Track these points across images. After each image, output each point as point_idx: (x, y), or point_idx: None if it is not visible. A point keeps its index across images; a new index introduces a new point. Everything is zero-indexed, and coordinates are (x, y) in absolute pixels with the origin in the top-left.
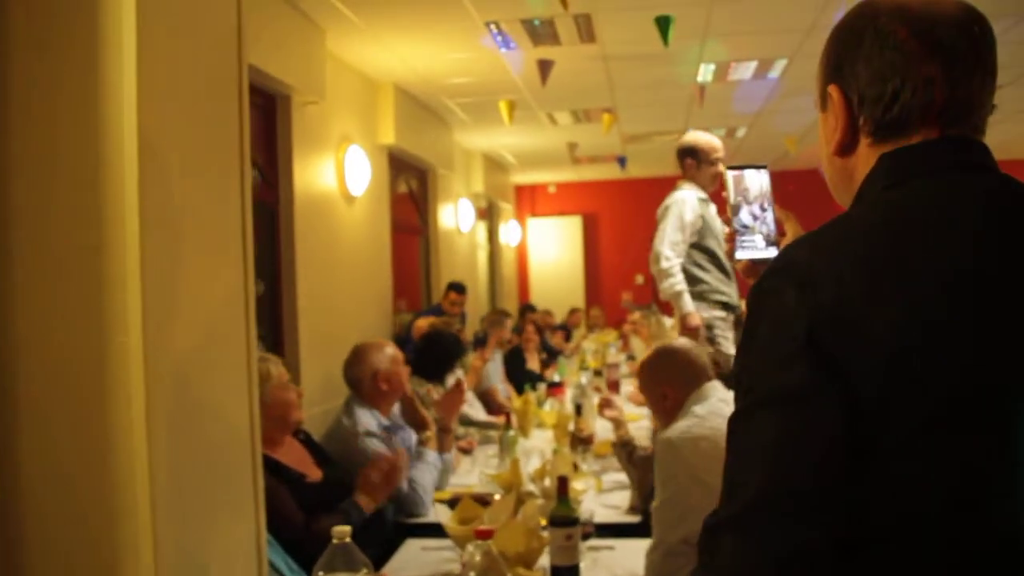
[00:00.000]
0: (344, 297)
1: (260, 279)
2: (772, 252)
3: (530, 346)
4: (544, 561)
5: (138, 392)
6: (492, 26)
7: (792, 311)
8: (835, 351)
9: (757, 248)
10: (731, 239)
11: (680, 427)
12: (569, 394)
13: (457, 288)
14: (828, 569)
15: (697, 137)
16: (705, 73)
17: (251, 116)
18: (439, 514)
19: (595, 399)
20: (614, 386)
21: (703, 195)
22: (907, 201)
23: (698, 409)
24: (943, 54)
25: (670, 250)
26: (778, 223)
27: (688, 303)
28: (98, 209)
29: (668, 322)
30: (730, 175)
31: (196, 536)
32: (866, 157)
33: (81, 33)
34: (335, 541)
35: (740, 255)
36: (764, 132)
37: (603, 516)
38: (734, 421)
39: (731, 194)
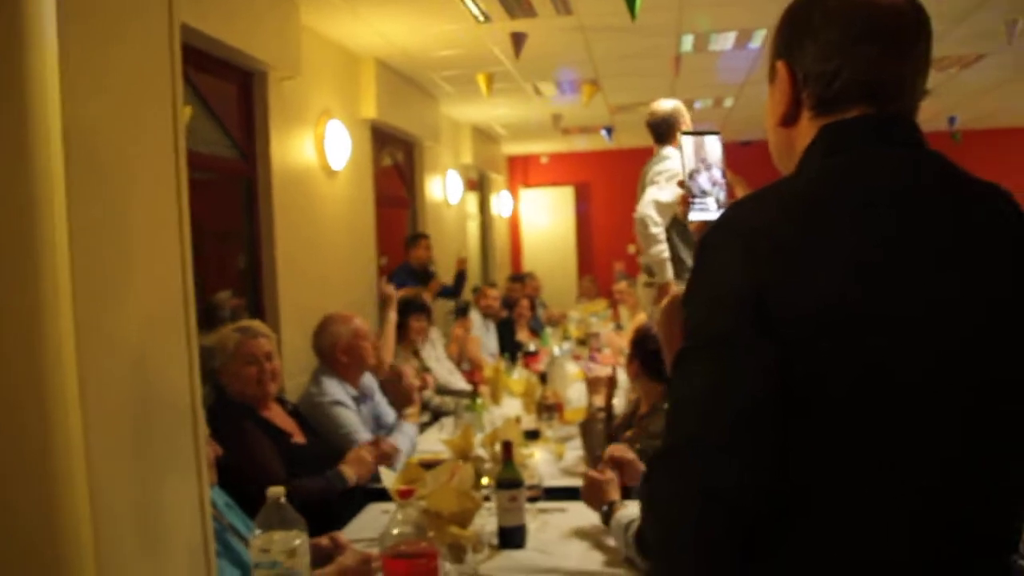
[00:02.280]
0: (327, 269)
1: (241, 253)
2: None
3: (522, 320)
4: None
5: (71, 375)
6: None
7: (733, 264)
8: (771, 306)
9: (710, 211)
10: (685, 202)
11: None
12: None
13: (422, 235)
14: (747, 512)
15: (676, 104)
16: (685, 43)
17: (228, 93)
18: (385, 477)
19: (572, 367)
20: (597, 355)
21: None
22: (841, 169)
23: None
24: (882, 37)
25: (658, 215)
26: (729, 187)
27: (670, 272)
28: (26, 197)
29: None
30: (690, 140)
31: (136, 497)
32: (807, 129)
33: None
34: (270, 500)
35: (694, 217)
36: (751, 102)
37: (559, 481)
38: (674, 364)
39: (689, 159)
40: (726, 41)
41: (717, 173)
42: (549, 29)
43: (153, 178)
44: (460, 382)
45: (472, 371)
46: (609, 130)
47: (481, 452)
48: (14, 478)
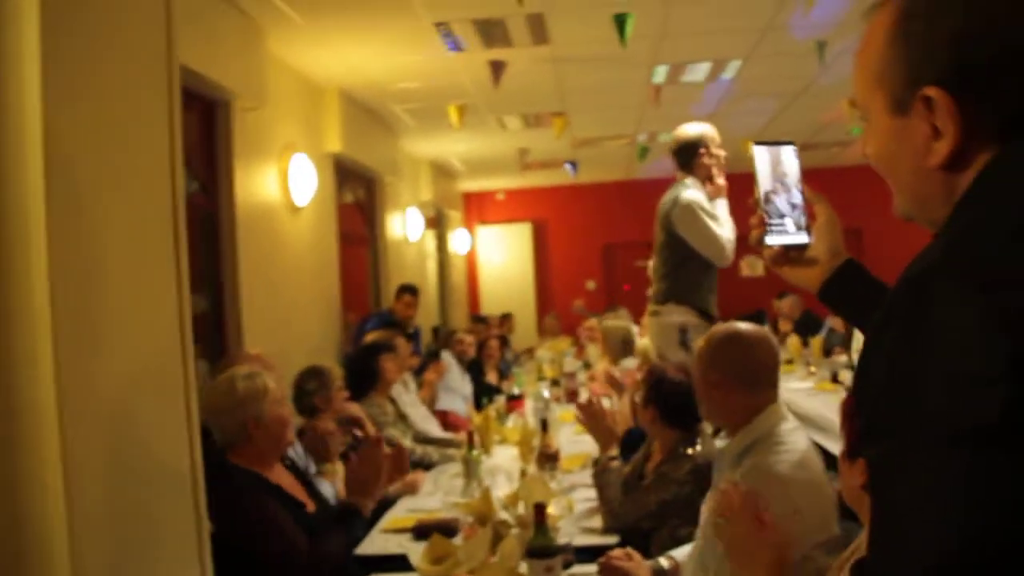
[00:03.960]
0: (291, 310)
1: (201, 294)
2: (803, 238)
3: (491, 362)
4: None
5: (52, 436)
6: (441, 27)
7: (982, 324)
8: None
9: (788, 233)
10: (760, 225)
11: (788, 459)
12: (530, 406)
13: (410, 290)
14: None
15: (703, 127)
16: (658, 75)
17: (190, 122)
18: (409, 552)
19: (556, 410)
20: (573, 395)
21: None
22: None
23: (792, 436)
24: None
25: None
26: (808, 206)
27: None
28: None
29: (635, 330)
30: (764, 153)
31: None
32: (982, 164)
33: None
34: None
35: (771, 240)
36: (720, 135)
37: (580, 539)
38: (894, 456)
39: (764, 176)
40: (700, 72)
41: (796, 192)
42: (522, 59)
43: (144, 212)
44: (436, 429)
45: (446, 414)
46: (574, 164)
47: (504, 515)
48: None
